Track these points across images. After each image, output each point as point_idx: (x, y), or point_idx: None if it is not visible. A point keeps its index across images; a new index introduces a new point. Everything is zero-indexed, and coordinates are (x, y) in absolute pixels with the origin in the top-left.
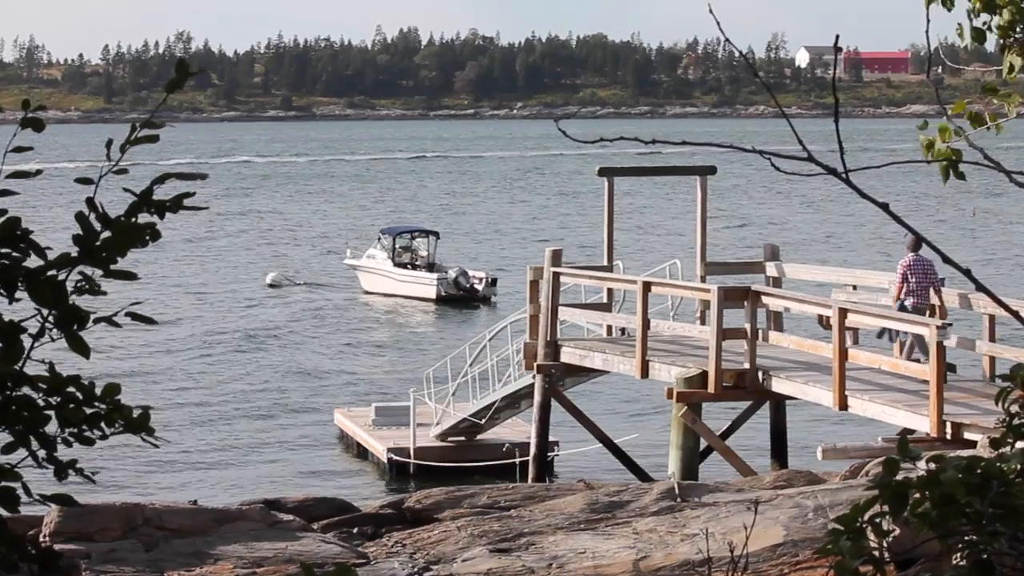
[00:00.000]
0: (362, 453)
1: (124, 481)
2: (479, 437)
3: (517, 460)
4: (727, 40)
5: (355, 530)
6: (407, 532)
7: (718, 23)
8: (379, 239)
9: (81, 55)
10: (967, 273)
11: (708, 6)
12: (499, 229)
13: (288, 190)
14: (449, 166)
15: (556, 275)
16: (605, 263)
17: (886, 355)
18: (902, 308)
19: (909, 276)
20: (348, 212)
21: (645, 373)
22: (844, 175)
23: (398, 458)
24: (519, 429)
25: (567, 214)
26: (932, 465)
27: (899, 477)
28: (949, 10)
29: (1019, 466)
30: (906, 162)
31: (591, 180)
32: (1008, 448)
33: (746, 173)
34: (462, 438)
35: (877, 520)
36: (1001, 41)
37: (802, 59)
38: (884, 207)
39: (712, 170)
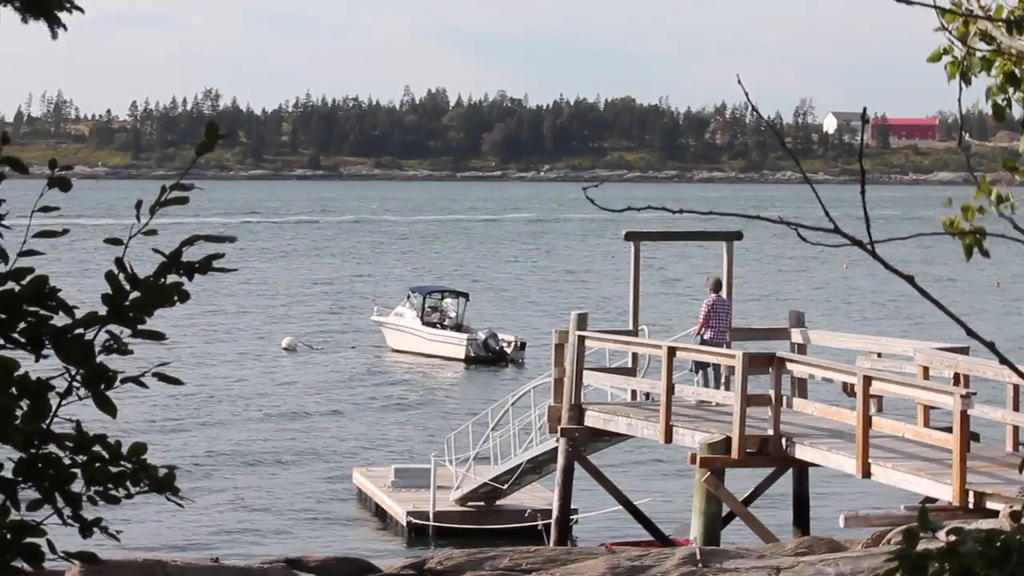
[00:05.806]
0: (380, 513)
1: (145, 537)
2: (499, 502)
3: (540, 525)
4: (754, 108)
5: None
6: None
7: (746, 93)
8: (408, 297)
9: (109, 111)
10: (991, 346)
11: (736, 76)
12: (526, 291)
13: (314, 249)
14: (477, 228)
15: (581, 339)
16: (631, 327)
17: (909, 423)
18: (702, 341)
19: (711, 314)
20: (375, 272)
21: (669, 438)
22: (870, 247)
23: (417, 521)
24: (539, 495)
25: (595, 277)
26: (952, 537)
27: (920, 548)
28: (968, 84)
29: None
30: (932, 234)
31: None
32: None
33: (773, 240)
34: (482, 503)
35: None
36: None
37: (830, 125)
38: (909, 280)
39: (739, 236)
